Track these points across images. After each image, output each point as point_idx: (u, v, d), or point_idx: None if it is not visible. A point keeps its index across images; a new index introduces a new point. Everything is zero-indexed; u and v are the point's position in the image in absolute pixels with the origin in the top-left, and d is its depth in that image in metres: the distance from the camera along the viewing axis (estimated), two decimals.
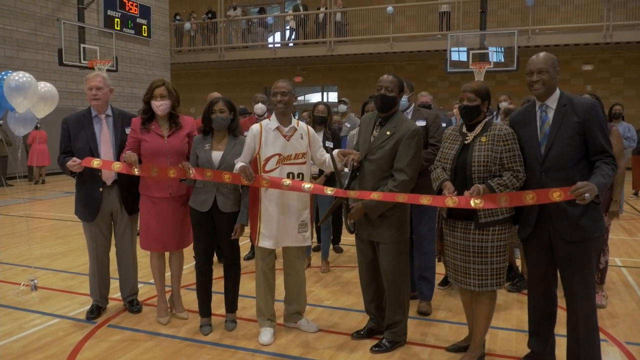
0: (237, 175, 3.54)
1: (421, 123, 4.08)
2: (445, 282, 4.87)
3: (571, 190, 2.71)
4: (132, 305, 4.25)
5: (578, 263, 2.93)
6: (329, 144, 5.12)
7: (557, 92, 3.01)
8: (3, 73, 4.77)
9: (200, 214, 3.72)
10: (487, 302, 3.24)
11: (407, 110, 4.17)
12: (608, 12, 15.65)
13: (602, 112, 3.00)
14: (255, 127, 3.65)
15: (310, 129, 3.74)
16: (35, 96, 4.66)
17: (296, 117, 4.83)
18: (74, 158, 3.83)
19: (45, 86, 4.89)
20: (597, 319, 3.01)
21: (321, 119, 5.33)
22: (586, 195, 2.67)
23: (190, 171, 3.63)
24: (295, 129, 3.64)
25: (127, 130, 3.98)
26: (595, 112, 2.90)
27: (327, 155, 3.70)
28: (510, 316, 4.17)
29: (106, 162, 3.85)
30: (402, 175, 3.32)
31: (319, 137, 5.28)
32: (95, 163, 3.80)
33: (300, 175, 3.61)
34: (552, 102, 3.00)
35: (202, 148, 3.72)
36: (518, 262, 5.13)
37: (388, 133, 3.40)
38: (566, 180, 2.85)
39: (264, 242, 3.63)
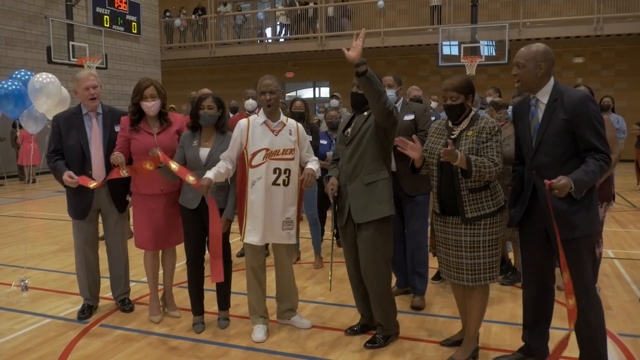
0: (197, 182, 3.45)
1: (409, 117, 4.09)
2: (438, 277, 4.86)
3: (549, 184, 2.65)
4: (124, 304, 4.22)
5: (569, 261, 2.80)
6: (308, 138, 5.15)
7: (550, 85, 2.90)
8: (24, 72, 4.82)
9: (190, 211, 3.70)
10: (480, 297, 3.23)
11: (396, 105, 4.16)
12: (598, 4, 15.67)
13: (594, 104, 2.83)
14: (243, 121, 3.60)
15: (300, 126, 3.70)
16: (57, 97, 4.67)
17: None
18: (70, 173, 3.79)
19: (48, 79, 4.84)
20: (602, 316, 2.91)
21: (299, 114, 5.35)
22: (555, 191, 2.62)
23: (158, 152, 3.53)
24: (284, 124, 3.60)
25: (117, 128, 3.95)
26: (584, 108, 2.76)
27: (311, 164, 3.65)
28: (504, 309, 4.17)
29: (98, 182, 3.87)
30: None
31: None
32: (92, 185, 3.81)
33: (288, 172, 3.54)
34: (543, 95, 2.90)
35: (190, 144, 3.69)
36: (511, 255, 5.14)
37: (365, 114, 3.46)
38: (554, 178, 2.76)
39: (249, 238, 3.58)
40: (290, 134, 3.60)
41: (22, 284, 4.72)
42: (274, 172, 3.51)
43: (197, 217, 3.71)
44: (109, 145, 3.92)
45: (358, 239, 3.46)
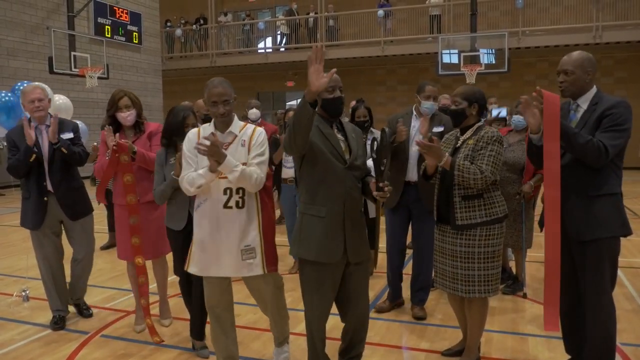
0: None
1: (438, 129, 4.00)
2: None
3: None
4: (80, 308, 4.31)
5: (586, 265, 2.82)
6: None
7: (592, 92, 2.87)
8: (20, 84, 4.88)
9: (178, 232, 3.49)
10: (478, 310, 3.21)
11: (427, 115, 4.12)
12: (597, 12, 15.75)
13: (626, 110, 2.76)
14: (192, 133, 3.01)
15: (258, 131, 3.00)
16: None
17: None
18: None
19: (60, 99, 4.92)
20: (614, 332, 2.88)
21: None
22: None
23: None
24: (236, 136, 2.96)
25: (64, 135, 4.01)
26: (614, 110, 2.73)
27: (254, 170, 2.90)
28: (505, 319, 4.16)
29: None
30: None
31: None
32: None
33: (241, 191, 2.92)
34: (584, 101, 2.87)
35: (168, 162, 3.48)
36: (512, 264, 5.13)
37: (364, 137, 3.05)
38: (582, 179, 2.78)
39: (191, 267, 3.06)
40: (243, 145, 2.95)
41: (24, 294, 4.72)
42: (225, 192, 2.91)
43: (185, 237, 3.36)
44: (54, 154, 3.97)
45: (353, 267, 2.95)
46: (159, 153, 3.56)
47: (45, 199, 3.99)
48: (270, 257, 3.04)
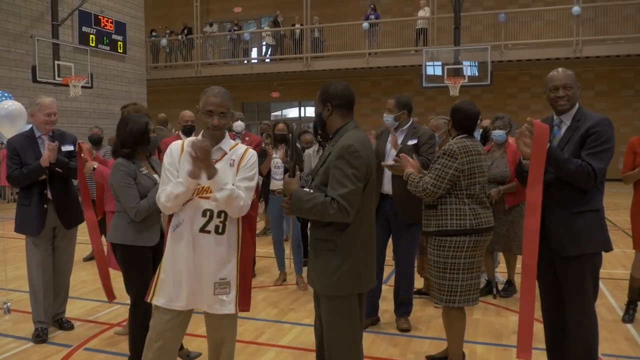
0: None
1: (412, 141, 4.06)
2: (417, 292, 4.87)
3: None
4: (63, 323, 4.28)
5: (569, 280, 2.87)
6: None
7: (575, 108, 2.91)
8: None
9: (148, 249, 3.20)
10: (446, 317, 3.32)
11: (403, 128, 4.16)
12: (577, 27, 16.06)
13: (610, 128, 2.82)
14: (175, 145, 2.70)
15: (250, 152, 2.72)
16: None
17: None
18: (52, 145, 3.90)
19: (12, 105, 4.93)
20: (596, 344, 2.94)
21: (282, 137, 5.36)
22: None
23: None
24: (225, 153, 2.67)
25: (64, 148, 4.11)
26: (599, 128, 2.77)
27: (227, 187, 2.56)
28: (489, 330, 4.20)
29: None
30: (335, 204, 2.43)
31: (274, 155, 5.30)
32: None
33: (223, 215, 2.61)
34: (568, 117, 2.91)
35: (140, 173, 3.20)
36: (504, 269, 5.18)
37: (327, 153, 2.66)
38: (566, 196, 2.82)
39: (157, 299, 2.66)
40: (232, 164, 2.66)
41: (5, 306, 4.65)
42: (204, 214, 2.59)
43: (156, 255, 3.13)
44: (52, 165, 3.99)
45: (320, 298, 2.72)
46: (124, 165, 3.17)
47: (45, 206, 4.04)
48: (245, 295, 2.70)
